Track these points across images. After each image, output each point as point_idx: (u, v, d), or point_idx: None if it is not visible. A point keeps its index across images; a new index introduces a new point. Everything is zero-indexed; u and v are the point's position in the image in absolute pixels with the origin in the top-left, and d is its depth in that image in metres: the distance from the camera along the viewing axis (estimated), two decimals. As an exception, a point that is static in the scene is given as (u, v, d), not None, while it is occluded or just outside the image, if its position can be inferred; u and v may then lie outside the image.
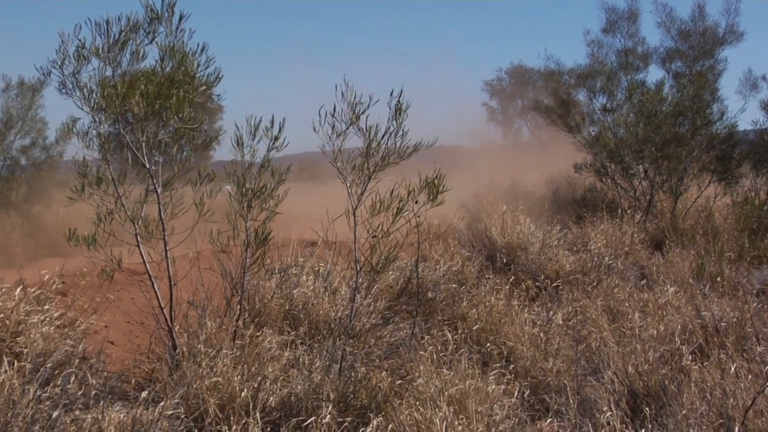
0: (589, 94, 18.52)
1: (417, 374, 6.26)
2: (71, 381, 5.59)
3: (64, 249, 6.87)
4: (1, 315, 6.66)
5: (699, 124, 16.38)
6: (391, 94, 6.33)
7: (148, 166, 6.56)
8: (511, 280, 9.89)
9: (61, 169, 18.26)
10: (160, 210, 6.62)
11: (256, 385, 5.84)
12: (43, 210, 18.10)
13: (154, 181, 6.60)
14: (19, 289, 7.11)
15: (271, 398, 5.90)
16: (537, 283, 10.10)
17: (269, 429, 5.69)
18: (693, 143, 16.41)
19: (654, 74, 36.86)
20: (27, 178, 18.04)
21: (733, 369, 5.86)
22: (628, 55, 18.70)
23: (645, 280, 10.35)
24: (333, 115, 6.36)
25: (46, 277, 8.13)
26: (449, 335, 7.46)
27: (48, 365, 5.64)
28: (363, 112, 6.35)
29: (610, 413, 5.52)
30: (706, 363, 6.36)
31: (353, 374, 6.19)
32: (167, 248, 6.69)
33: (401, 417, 5.57)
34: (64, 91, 6.40)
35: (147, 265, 6.72)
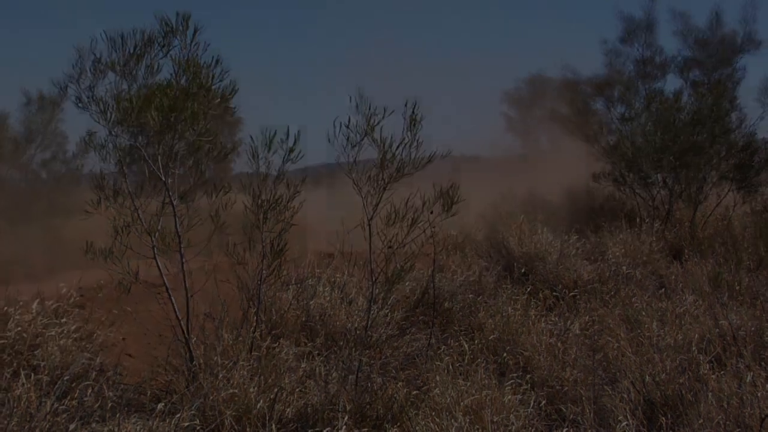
0: (607, 103, 18.48)
1: (433, 384, 6.27)
2: (88, 393, 5.63)
3: (82, 262, 6.93)
4: (19, 328, 6.72)
5: (717, 132, 16.26)
6: (406, 105, 6.34)
7: (164, 178, 6.60)
8: (528, 290, 9.85)
9: (81, 182, 18.30)
10: (176, 222, 6.66)
11: (272, 397, 5.86)
12: (62, 223, 18.15)
13: (170, 193, 6.64)
14: (36, 303, 7.17)
15: (288, 409, 5.91)
16: (554, 293, 10.06)
17: (285, 440, 5.70)
18: (711, 152, 16.30)
19: (672, 83, 36.70)
20: (47, 191, 18.09)
21: (750, 378, 5.83)
22: (646, 65, 18.64)
23: (663, 289, 10.28)
24: (348, 127, 6.37)
25: (64, 290, 8.19)
26: (466, 345, 7.45)
27: (65, 378, 5.68)
28: (378, 123, 6.35)
29: (626, 423, 5.51)
30: (723, 372, 6.33)
31: (369, 385, 6.20)
32: (183, 260, 6.72)
33: (417, 427, 5.58)
34: (80, 105, 6.46)
35: (164, 277, 6.75)
